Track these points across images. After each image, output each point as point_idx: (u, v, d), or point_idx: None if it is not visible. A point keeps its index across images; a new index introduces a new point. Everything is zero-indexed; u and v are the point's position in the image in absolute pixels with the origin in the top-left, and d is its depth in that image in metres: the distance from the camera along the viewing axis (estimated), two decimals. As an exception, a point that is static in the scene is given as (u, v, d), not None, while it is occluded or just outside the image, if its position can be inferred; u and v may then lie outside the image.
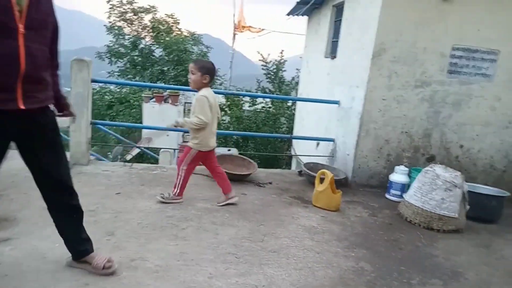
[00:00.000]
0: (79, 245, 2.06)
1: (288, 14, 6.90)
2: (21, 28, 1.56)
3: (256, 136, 5.72)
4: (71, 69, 3.78)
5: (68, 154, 4.04)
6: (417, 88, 4.10)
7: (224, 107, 8.90)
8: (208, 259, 2.35)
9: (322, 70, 5.82)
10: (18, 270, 2.00)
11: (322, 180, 3.57)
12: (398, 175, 3.92)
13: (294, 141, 6.42)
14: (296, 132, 7.23)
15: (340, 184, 3.91)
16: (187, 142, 12.89)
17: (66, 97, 2.02)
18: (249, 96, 8.06)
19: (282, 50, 11.41)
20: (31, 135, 1.77)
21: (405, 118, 4.16)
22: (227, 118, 9.02)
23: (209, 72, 3.05)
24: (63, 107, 2.00)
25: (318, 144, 5.36)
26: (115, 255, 2.19)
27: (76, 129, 3.88)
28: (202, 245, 2.53)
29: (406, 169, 3.94)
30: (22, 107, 1.63)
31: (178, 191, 3.21)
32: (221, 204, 3.29)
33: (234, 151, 4.66)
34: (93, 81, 3.93)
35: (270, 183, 4.10)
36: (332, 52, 5.50)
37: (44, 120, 1.80)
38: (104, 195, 3.23)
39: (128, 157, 12.23)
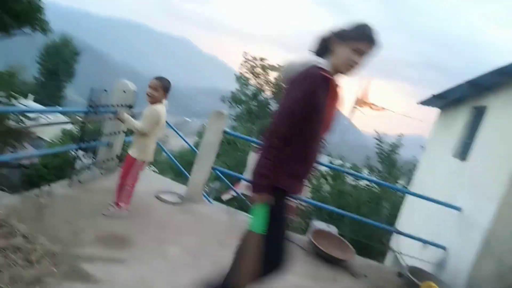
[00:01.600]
0: None
1: (420, 103, 6.72)
2: (324, 137, 2.00)
3: (357, 219, 5.46)
4: (209, 118, 4.23)
5: (184, 189, 4.43)
6: None
7: (326, 176, 8.81)
8: None
9: (447, 169, 5.40)
10: (127, 295, 2.18)
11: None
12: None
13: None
14: (400, 224, 6.71)
15: (446, 303, 3.43)
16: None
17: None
18: (356, 176, 7.88)
19: (401, 134, 11.02)
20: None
21: (544, 251, 3.54)
22: (326, 187, 8.88)
23: (168, 92, 3.32)
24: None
25: (424, 246, 4.85)
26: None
27: (198, 171, 4.24)
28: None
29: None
30: (301, 193, 2.05)
31: (124, 204, 3.27)
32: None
33: (333, 229, 4.50)
34: (225, 132, 4.31)
35: (366, 276, 3.80)
36: (463, 153, 5.10)
37: None
38: (207, 240, 3.39)
39: (225, 196, 12.81)
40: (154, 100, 3.28)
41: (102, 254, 2.51)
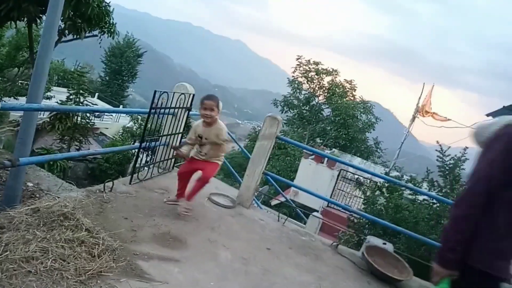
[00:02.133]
0: None
1: (488, 115, 6.20)
2: None
3: (414, 237, 5.13)
4: (264, 123, 4.20)
5: (236, 193, 4.44)
6: None
7: (382, 188, 8.39)
8: None
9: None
10: (180, 296, 2.20)
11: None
12: None
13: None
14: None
15: None
16: (328, 207, 12.35)
17: None
18: (415, 190, 7.42)
19: (467, 147, 10.19)
20: None
21: None
22: (381, 200, 8.46)
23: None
24: None
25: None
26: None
27: (250, 175, 4.23)
28: None
29: None
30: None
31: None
32: (170, 202, 3.48)
33: (389, 247, 4.25)
34: (277, 137, 4.26)
35: (424, 300, 3.54)
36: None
37: None
38: (257, 246, 3.35)
39: (274, 201, 12.79)
40: (213, 121, 3.39)
41: (157, 253, 2.56)
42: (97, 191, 3.22)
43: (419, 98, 13.69)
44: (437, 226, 7.59)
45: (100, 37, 10.18)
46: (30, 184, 5.09)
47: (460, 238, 1.63)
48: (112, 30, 9.92)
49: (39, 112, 7.90)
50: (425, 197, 8.70)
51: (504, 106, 5.58)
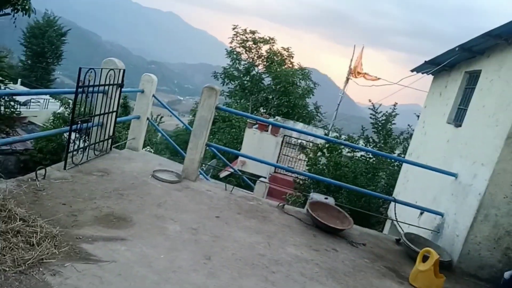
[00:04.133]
0: None
1: (413, 71, 6.66)
2: None
3: (354, 190, 5.50)
4: (201, 94, 4.16)
5: (180, 168, 4.42)
6: (560, 182, 3.54)
7: (323, 149, 8.82)
8: (294, 313, 2.29)
9: (441, 136, 5.41)
10: (129, 272, 2.20)
11: (424, 258, 3.25)
12: (518, 276, 3.37)
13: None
14: (397, 193, 6.79)
15: (443, 266, 3.50)
16: (276, 173, 12.84)
17: None
18: (352, 147, 7.88)
19: (396, 103, 10.97)
20: None
21: (537, 212, 3.60)
22: (323, 160, 8.92)
23: None
24: None
25: (421, 213, 4.94)
26: (210, 282, 2.26)
27: (193, 148, 4.21)
28: (289, 295, 2.48)
29: (529, 271, 3.37)
30: None
31: None
32: None
33: (331, 200, 4.54)
34: (217, 107, 4.26)
35: (364, 244, 3.87)
36: (457, 119, 5.10)
37: None
38: (206, 215, 3.41)
39: (222, 174, 12.88)
40: None
41: (102, 234, 2.51)
42: (29, 180, 3.03)
43: (351, 60, 14.33)
44: (374, 179, 8.23)
45: (13, 16, 9.19)
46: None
47: None
48: (26, 7, 8.99)
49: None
50: (362, 153, 9.35)
51: (425, 61, 6.01)
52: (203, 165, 6.97)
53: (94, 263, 2.17)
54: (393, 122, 10.47)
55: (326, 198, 4.56)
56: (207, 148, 4.51)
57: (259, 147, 12.13)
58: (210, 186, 4.39)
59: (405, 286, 3.15)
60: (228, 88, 27.53)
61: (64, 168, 3.45)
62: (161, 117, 30.33)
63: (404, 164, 6.91)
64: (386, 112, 10.72)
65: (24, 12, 9.03)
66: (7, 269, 1.91)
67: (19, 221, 2.23)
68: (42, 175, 3.15)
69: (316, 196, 4.63)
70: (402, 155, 8.81)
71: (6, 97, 11.02)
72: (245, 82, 27.21)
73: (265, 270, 2.73)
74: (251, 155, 6.34)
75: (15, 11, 8.97)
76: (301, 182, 8.66)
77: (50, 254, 2.09)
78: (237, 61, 27.10)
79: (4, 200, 2.39)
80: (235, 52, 27.10)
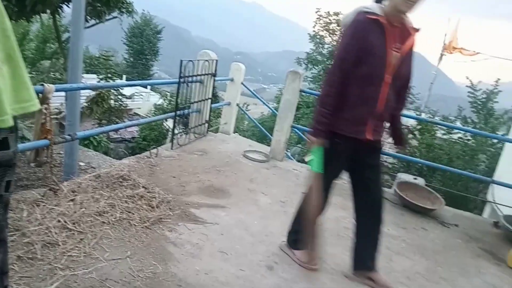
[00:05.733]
0: (367, 259, 2.32)
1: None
2: (387, 78, 1.99)
3: (447, 170, 5.22)
4: (286, 78, 4.38)
5: (268, 149, 4.73)
6: None
7: (414, 130, 8.40)
8: (379, 280, 2.41)
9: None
10: (229, 233, 2.56)
11: (527, 241, 3.05)
12: None
13: (493, 184, 5.57)
14: (499, 175, 6.21)
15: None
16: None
17: (404, 134, 2.41)
18: (445, 126, 7.36)
19: (498, 79, 9.83)
20: (363, 158, 2.19)
21: None
22: (414, 142, 8.50)
23: None
24: (400, 141, 2.39)
25: (527, 196, 4.51)
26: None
27: (279, 130, 4.47)
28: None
29: None
30: (370, 138, 2.07)
31: None
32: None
33: (420, 181, 4.42)
34: (301, 91, 4.44)
35: (457, 225, 3.73)
36: None
37: (377, 148, 2.23)
38: (292, 191, 3.65)
39: (307, 158, 13.07)
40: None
41: (205, 202, 2.93)
42: (145, 157, 3.61)
43: (445, 34, 13.05)
44: (472, 162, 7.59)
45: (121, 19, 10.43)
46: (82, 163, 5.64)
47: (325, 112, 2.00)
48: (130, 9, 10.14)
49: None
50: (460, 135, 8.64)
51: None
52: (289, 147, 7.21)
53: (201, 224, 2.57)
54: (495, 100, 9.42)
55: (415, 179, 4.45)
56: (292, 130, 4.74)
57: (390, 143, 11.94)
58: (295, 165, 4.62)
59: (502, 268, 3.00)
60: (312, 73, 27.29)
61: (171, 148, 4.00)
62: (247, 105, 31.51)
63: (508, 145, 6.26)
64: (487, 89, 9.68)
65: (128, 14, 10.21)
66: (136, 224, 2.39)
67: (142, 188, 2.73)
68: (155, 153, 3.72)
69: (404, 177, 4.55)
70: (506, 136, 7.93)
71: (115, 92, 12.62)
72: (329, 66, 26.68)
73: (350, 241, 2.87)
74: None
75: (121, 14, 10.18)
76: (389, 165, 8.40)
77: (167, 215, 2.54)
78: (320, 45, 26.63)
79: (129, 172, 2.93)
80: (318, 36, 26.66)
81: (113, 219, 2.37)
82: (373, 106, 2.00)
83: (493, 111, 9.49)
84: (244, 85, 5.40)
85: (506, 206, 4.61)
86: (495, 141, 8.03)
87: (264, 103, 7.01)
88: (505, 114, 9.47)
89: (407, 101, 2.31)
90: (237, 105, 5.41)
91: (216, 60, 4.53)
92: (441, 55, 13.31)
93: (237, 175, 3.70)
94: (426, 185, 4.36)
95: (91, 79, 17.99)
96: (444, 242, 3.27)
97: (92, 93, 11.45)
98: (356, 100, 2.01)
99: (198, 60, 4.30)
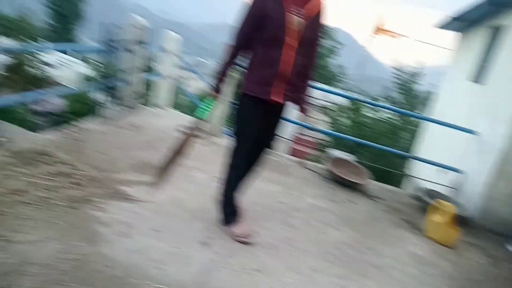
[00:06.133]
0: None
1: (439, 28, 6.46)
2: (290, 41, 2.11)
3: (374, 147, 5.56)
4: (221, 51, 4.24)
5: (205, 125, 4.61)
6: None
7: (345, 109, 8.82)
8: (311, 252, 2.51)
9: (464, 93, 5.36)
10: (164, 210, 2.47)
11: (441, 211, 3.38)
12: (532, 230, 3.47)
13: (413, 160, 6.09)
14: (419, 150, 6.82)
15: (460, 221, 3.62)
16: (298, 135, 12.91)
17: (307, 101, 2.49)
18: (373, 105, 7.83)
19: (421, 62, 10.64)
20: (272, 118, 2.36)
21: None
22: (345, 121, 8.94)
23: None
24: (302, 108, 2.47)
25: (442, 171, 5.00)
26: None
27: (217, 105, 4.36)
28: (307, 238, 2.70)
29: (545, 226, 3.46)
30: (276, 99, 2.20)
31: None
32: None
33: (350, 157, 4.66)
34: (237, 65, 4.35)
35: (382, 198, 4.03)
36: (480, 77, 5.01)
37: (282, 111, 2.39)
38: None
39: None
40: None
41: (138, 179, 2.77)
42: (71, 132, 3.30)
43: (374, 17, 13.69)
44: (396, 139, 8.23)
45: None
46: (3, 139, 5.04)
47: (220, 67, 2.22)
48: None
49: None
50: (385, 114, 9.28)
51: (452, 17, 5.82)
52: (227, 124, 7.15)
53: (133, 202, 2.44)
54: (418, 82, 10.24)
55: (346, 155, 4.69)
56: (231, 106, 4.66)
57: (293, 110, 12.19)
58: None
59: (420, 237, 3.31)
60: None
61: (100, 122, 3.71)
62: (184, 79, 30.56)
63: (427, 123, 6.87)
64: (412, 72, 10.47)
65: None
66: (62, 204, 2.18)
67: (68, 165, 2.49)
68: (82, 128, 3.42)
69: (336, 153, 4.77)
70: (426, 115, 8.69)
71: (36, 59, 11.40)
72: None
73: (285, 214, 2.95)
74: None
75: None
76: (323, 142, 8.77)
77: (96, 194, 2.36)
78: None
79: (53, 147, 2.66)
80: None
81: (36, 199, 2.14)
82: (276, 67, 2.12)
83: (415, 92, 10.30)
84: (178, 56, 5.16)
85: (423, 179, 5.08)
86: (417, 120, 8.76)
87: (200, 76, 6.80)
88: (426, 95, 10.34)
89: (314, 69, 2.44)
90: (172, 77, 5.17)
91: (146, 27, 4.22)
92: (371, 37, 14.00)
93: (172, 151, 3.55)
94: (355, 160, 4.61)
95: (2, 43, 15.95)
96: (370, 214, 3.51)
97: (9, 60, 10.21)
98: (261, 62, 2.15)
99: (125, 26, 3.95)
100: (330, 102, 12.33)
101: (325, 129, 4.72)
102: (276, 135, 2.51)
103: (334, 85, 23.26)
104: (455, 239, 3.26)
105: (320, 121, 12.63)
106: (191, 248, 2.18)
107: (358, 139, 5.44)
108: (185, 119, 5.06)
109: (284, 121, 2.50)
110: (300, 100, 2.41)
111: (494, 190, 3.82)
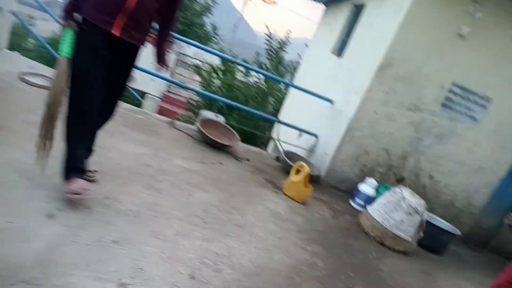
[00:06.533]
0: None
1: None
2: None
3: (244, 110, 5.71)
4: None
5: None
6: (409, 111, 4.25)
7: (217, 70, 8.76)
8: (177, 216, 2.42)
9: (325, 65, 5.87)
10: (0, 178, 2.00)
11: (297, 171, 3.69)
12: (367, 187, 4.12)
13: (277, 123, 6.50)
14: (282, 116, 7.31)
15: (312, 180, 4.05)
16: (168, 92, 12.39)
17: (168, 55, 2.45)
18: (246, 67, 7.96)
19: (290, 31, 11.25)
20: (116, 57, 2.15)
21: (389, 135, 4.32)
22: (217, 82, 8.92)
23: None
24: (161, 60, 2.44)
25: (300, 135, 5.47)
26: (91, 188, 2.21)
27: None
28: (174, 201, 2.60)
29: (376, 183, 4.14)
30: (117, 34, 2.05)
31: None
32: None
33: (221, 119, 4.67)
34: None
35: (248, 160, 4.18)
36: (340, 50, 5.54)
37: (132, 54, 2.24)
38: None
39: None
40: None
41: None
42: None
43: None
44: (263, 103, 8.66)
45: None
46: None
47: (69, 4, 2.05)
48: None
49: None
50: (255, 79, 9.62)
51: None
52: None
53: None
54: (285, 50, 10.85)
55: (216, 116, 4.67)
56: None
57: (152, 63, 11.39)
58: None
59: (279, 195, 3.57)
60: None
61: None
62: (33, 19, 25.69)
63: (290, 90, 7.38)
64: (280, 39, 11.00)
65: None
66: None
67: None
68: None
69: (207, 114, 4.70)
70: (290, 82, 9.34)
71: None
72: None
73: (151, 178, 2.77)
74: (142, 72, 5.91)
75: None
76: (194, 102, 8.61)
77: None
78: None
79: None
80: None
81: None
82: (122, 2, 2.01)
83: (283, 60, 10.91)
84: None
85: (285, 142, 5.48)
86: (282, 86, 9.32)
87: (55, 18, 5.74)
88: (291, 64, 11.05)
89: (174, 23, 2.39)
90: (12, 13, 4.20)
91: None
92: (245, 0, 14.09)
93: (12, 104, 2.92)
94: (225, 122, 4.64)
95: None
96: (237, 175, 3.60)
97: None
98: None
99: None
100: (203, 62, 12.13)
101: (196, 88, 4.56)
102: (126, 83, 2.34)
103: (208, 45, 23.01)
104: (308, 196, 3.63)
105: (193, 80, 12.38)
106: (32, 222, 1.83)
107: (229, 101, 5.48)
108: (27, 65, 4.24)
109: (138, 70, 2.40)
110: (158, 52, 2.39)
111: (340, 153, 4.36)
